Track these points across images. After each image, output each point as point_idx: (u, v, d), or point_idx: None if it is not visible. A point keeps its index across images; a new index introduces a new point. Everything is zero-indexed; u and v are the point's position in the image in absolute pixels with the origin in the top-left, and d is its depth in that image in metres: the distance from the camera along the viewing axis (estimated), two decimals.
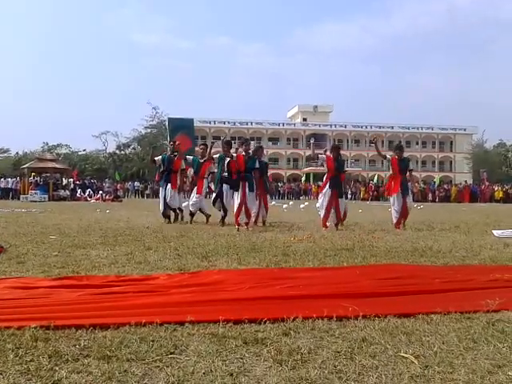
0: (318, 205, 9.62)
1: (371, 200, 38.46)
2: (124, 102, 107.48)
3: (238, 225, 8.80)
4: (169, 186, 10.41)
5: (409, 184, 9.77)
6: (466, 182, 46.61)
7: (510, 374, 2.11)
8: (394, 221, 9.57)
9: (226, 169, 9.53)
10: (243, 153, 9.49)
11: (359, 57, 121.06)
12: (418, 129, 66.38)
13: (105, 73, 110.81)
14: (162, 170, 10.59)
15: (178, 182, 10.58)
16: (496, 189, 39.80)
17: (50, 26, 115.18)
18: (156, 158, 10.87)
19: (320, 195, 9.68)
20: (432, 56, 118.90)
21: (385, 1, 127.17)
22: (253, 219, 9.41)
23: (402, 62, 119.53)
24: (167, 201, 10.40)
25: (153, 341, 2.48)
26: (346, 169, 10.50)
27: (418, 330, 2.71)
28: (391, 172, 9.98)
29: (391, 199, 9.80)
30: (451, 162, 66.76)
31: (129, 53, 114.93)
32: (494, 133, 75.06)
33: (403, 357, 2.30)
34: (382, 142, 59.51)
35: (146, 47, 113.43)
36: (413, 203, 10.30)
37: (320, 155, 9.76)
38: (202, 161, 10.44)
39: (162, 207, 10.56)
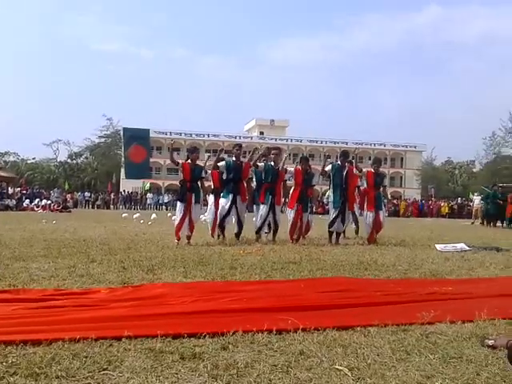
0: (290, 218, 9.23)
1: (323, 214, 38.98)
2: (78, 110, 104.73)
3: (179, 239, 8.40)
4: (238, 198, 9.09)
5: (383, 199, 9.90)
6: (415, 198, 48.08)
7: None
8: (366, 235, 9.57)
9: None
10: (189, 161, 8.79)
11: (317, 72, 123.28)
12: (370, 145, 68.06)
13: (58, 80, 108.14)
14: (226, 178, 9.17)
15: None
16: (442, 204, 41.26)
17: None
18: (219, 164, 9.23)
19: (290, 210, 9.30)
20: (386, 73, 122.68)
21: (346, 18, 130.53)
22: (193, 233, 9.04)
23: (357, 78, 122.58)
24: (241, 217, 9.13)
25: (86, 357, 2.42)
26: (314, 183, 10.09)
27: (355, 343, 2.76)
28: (365, 186, 9.79)
29: (364, 214, 9.73)
30: (401, 178, 68.70)
31: (83, 60, 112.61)
32: (442, 150, 78.01)
33: (338, 369, 2.33)
34: (336, 156, 60.59)
35: (101, 55, 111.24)
36: (386, 218, 10.21)
37: (289, 169, 9.53)
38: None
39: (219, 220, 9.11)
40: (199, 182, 8.72)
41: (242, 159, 9.34)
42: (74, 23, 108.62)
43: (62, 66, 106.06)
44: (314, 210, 9.69)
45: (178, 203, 8.74)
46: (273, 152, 9.42)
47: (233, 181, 9.00)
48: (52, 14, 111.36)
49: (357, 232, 10.86)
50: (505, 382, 2.21)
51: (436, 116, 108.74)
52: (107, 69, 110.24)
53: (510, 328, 3.13)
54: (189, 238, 8.57)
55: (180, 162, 8.94)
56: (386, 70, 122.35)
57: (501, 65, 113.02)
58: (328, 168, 9.43)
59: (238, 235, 9.17)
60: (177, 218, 8.64)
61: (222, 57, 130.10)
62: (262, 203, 9.16)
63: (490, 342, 2.71)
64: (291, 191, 9.36)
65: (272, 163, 9.29)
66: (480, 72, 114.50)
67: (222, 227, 9.13)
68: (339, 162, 9.47)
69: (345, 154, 9.66)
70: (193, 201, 8.50)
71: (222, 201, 9.07)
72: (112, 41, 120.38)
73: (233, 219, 9.29)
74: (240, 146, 9.61)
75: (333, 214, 9.24)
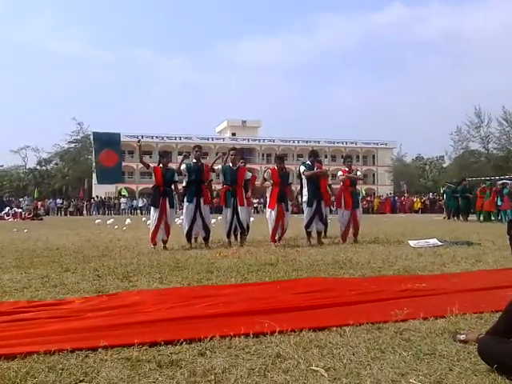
0: (270, 218, 8.93)
1: (298, 214, 39.20)
2: (45, 116, 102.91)
3: (155, 244, 8.37)
4: (201, 200, 8.84)
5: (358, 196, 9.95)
6: (390, 193, 48.74)
7: (411, 381, 2.23)
8: (340, 233, 9.59)
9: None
10: (161, 165, 8.70)
11: (283, 72, 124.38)
12: (342, 143, 68.79)
13: (21, 84, 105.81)
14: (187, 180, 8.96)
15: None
16: (415, 200, 41.95)
17: None
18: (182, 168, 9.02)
19: (271, 210, 9.01)
20: (350, 72, 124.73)
21: (306, 19, 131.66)
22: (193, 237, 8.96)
23: (322, 77, 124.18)
24: (205, 220, 8.87)
25: (62, 369, 2.40)
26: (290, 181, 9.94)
27: (331, 343, 2.80)
28: (341, 184, 9.75)
29: (340, 212, 9.71)
30: (374, 175, 69.61)
31: (46, 64, 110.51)
32: (412, 147, 79.31)
33: (314, 370, 2.37)
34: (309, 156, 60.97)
35: (64, 58, 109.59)
36: (361, 215, 10.15)
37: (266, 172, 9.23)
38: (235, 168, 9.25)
39: (187, 227, 8.83)
40: (173, 186, 8.67)
41: (202, 161, 9.17)
42: (31, 26, 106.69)
43: (23, 70, 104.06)
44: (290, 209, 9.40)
45: (152, 208, 8.66)
46: (231, 153, 9.24)
47: (194, 183, 8.81)
48: (7, 16, 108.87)
49: (325, 232, 10.32)
50: (476, 376, 2.28)
51: (401, 113, 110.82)
52: (70, 72, 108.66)
53: (480, 322, 3.21)
54: (165, 242, 8.54)
55: (151, 165, 8.85)
56: (348, 69, 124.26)
57: (460, 61, 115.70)
58: (302, 169, 9.42)
59: (206, 239, 8.92)
60: (151, 223, 8.58)
61: (186, 58, 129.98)
62: (225, 206, 9.05)
63: (462, 337, 2.78)
64: (269, 192, 9.14)
65: (230, 164, 9.18)
66: (441, 69, 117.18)
67: (189, 235, 8.87)
68: (309, 162, 9.52)
69: (314, 154, 9.73)
70: (167, 205, 8.44)
71: (186, 205, 8.86)
72: (71, 42, 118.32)
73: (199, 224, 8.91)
74: (200, 147, 9.40)
75: (308, 213, 9.17)
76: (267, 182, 9.00)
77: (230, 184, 9.07)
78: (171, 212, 8.56)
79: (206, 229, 8.91)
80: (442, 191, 26.04)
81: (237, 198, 9.03)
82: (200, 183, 8.87)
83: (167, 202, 8.45)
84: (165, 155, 8.99)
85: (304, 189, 9.41)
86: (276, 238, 8.95)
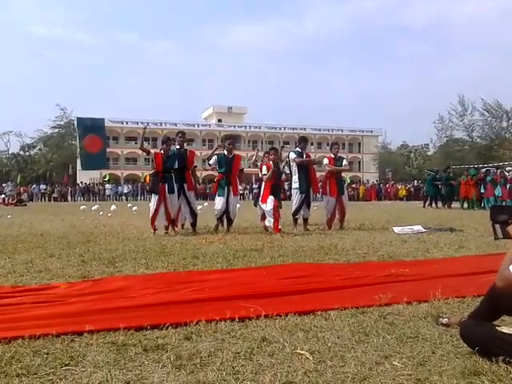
0: (268, 208, 8.62)
1: (284, 200, 39.35)
2: (27, 100, 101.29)
3: (155, 230, 8.40)
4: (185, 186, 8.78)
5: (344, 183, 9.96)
6: (376, 181, 49.06)
7: (395, 363, 2.26)
8: (325, 220, 9.55)
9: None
10: (162, 151, 8.72)
11: (271, 58, 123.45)
12: (328, 130, 68.85)
13: (2, 68, 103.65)
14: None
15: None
16: (400, 187, 42.31)
17: None
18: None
19: (268, 200, 8.72)
20: (338, 58, 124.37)
21: (295, 3, 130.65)
22: (179, 224, 8.97)
23: (310, 63, 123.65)
24: (192, 206, 8.84)
25: (47, 353, 2.39)
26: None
27: (316, 327, 2.83)
28: (327, 171, 9.72)
29: (325, 199, 9.72)
30: (360, 163, 69.89)
31: (27, 47, 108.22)
32: (397, 134, 79.67)
33: (299, 354, 2.39)
34: (295, 143, 61.08)
35: (46, 41, 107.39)
36: (348, 202, 10.08)
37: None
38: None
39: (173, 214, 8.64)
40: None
41: (186, 147, 9.10)
42: (12, 7, 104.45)
43: (4, 53, 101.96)
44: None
45: (152, 195, 8.67)
46: (227, 142, 9.33)
47: (178, 169, 8.69)
48: None
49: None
50: (458, 358, 2.32)
51: (387, 101, 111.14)
52: (52, 56, 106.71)
53: (463, 307, 3.27)
54: (166, 228, 8.60)
55: (152, 151, 8.85)
56: (337, 55, 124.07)
57: (446, 48, 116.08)
58: (293, 156, 9.38)
59: (193, 226, 8.92)
60: (151, 209, 8.59)
61: (171, 42, 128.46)
62: (218, 195, 9.06)
63: (444, 321, 2.83)
64: (263, 185, 8.96)
65: (225, 152, 9.22)
66: (427, 55, 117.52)
67: (172, 221, 8.70)
68: (299, 149, 9.53)
69: (304, 140, 9.82)
70: (166, 191, 8.44)
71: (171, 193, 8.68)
72: (55, 26, 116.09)
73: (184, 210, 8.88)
74: (183, 133, 9.23)
75: (298, 200, 9.14)
76: (267, 176, 8.86)
77: (224, 172, 9.09)
78: (171, 198, 8.53)
79: (193, 213, 8.91)
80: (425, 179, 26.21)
81: (230, 187, 9.05)
82: (183, 169, 8.81)
83: (166, 188, 8.45)
84: (167, 141, 8.89)
85: (294, 176, 9.38)
86: (279, 227, 8.60)
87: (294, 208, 9.27)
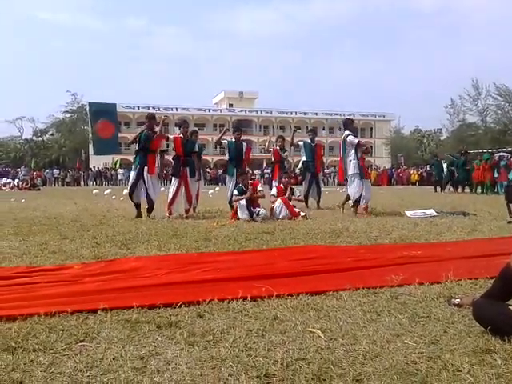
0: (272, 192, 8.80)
1: (297, 185, 39.30)
2: (40, 85, 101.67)
3: (171, 214, 8.35)
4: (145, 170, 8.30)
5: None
6: (385, 167, 48.73)
7: (406, 341, 2.27)
8: (352, 203, 8.94)
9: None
10: (181, 135, 8.71)
11: (281, 43, 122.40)
12: (340, 115, 68.29)
13: (16, 54, 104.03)
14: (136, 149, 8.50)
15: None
16: (412, 172, 42.00)
17: None
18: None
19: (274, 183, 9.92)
20: (348, 43, 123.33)
21: None
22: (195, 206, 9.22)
23: (320, 48, 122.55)
24: (149, 191, 8.26)
25: (62, 330, 2.43)
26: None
27: (327, 306, 2.84)
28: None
29: (356, 182, 8.73)
30: (371, 147, 69.36)
31: (38, 33, 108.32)
32: (409, 119, 78.76)
33: (311, 331, 2.41)
34: (307, 127, 60.77)
35: (58, 27, 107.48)
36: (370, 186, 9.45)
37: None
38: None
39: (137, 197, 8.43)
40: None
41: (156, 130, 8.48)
42: None
43: (16, 39, 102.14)
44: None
45: (173, 178, 8.73)
46: (237, 133, 9.86)
47: (142, 151, 8.31)
48: None
49: (318, 203, 10.85)
50: (470, 337, 2.31)
51: (399, 85, 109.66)
52: (64, 42, 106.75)
53: (475, 288, 3.26)
54: (187, 211, 8.63)
55: (170, 136, 8.96)
56: (346, 40, 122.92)
57: (456, 33, 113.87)
58: (300, 143, 10.67)
59: (149, 211, 8.31)
60: (170, 193, 8.62)
61: (182, 28, 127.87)
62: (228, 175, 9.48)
63: (457, 301, 2.83)
64: (270, 171, 9.69)
65: (233, 139, 9.62)
66: (436, 40, 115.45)
67: (131, 198, 8.44)
68: (309, 140, 10.73)
69: (313, 131, 11.17)
70: (187, 174, 8.51)
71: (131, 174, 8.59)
72: (64, 11, 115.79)
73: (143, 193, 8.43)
74: (153, 116, 8.81)
75: (359, 186, 8.64)
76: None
77: (232, 159, 9.32)
78: (192, 181, 8.65)
79: (149, 199, 8.30)
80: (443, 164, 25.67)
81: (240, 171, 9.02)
82: (148, 152, 8.28)
83: (188, 172, 8.53)
84: (183, 124, 9.01)
85: (354, 160, 8.69)
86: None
87: (356, 196, 8.73)
